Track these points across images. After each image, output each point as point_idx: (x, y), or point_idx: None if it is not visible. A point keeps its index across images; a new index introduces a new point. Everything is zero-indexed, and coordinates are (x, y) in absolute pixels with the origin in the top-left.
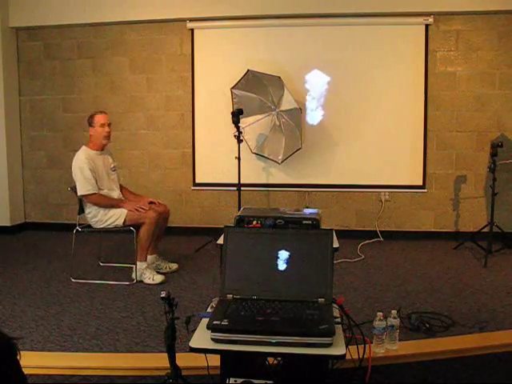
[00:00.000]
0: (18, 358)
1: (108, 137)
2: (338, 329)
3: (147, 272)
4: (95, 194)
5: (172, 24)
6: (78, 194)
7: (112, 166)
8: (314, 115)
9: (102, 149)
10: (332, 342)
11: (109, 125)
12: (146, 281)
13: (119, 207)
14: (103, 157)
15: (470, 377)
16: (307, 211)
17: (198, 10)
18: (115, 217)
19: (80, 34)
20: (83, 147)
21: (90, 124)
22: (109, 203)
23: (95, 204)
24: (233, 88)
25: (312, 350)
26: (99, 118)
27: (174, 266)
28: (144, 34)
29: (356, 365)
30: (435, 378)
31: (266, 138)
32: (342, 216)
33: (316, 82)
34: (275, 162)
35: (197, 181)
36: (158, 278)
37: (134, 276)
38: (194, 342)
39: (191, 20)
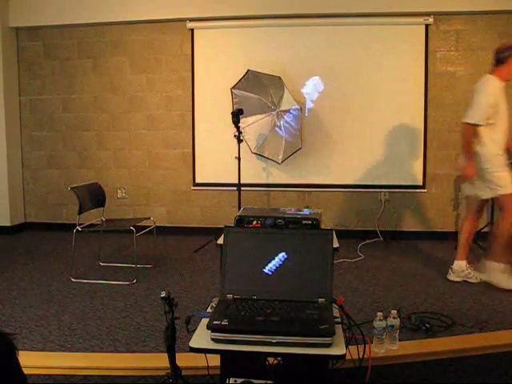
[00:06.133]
0: (17, 356)
1: None
2: (338, 329)
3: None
4: (478, 126)
5: (172, 24)
6: (464, 119)
7: None
8: (314, 115)
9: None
10: (332, 341)
11: None
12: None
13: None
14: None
15: (469, 377)
16: (307, 211)
17: (198, 10)
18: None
19: (80, 34)
20: (493, 77)
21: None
22: (467, 142)
23: (462, 134)
24: (233, 88)
25: (312, 350)
26: None
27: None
28: (144, 33)
29: (356, 365)
30: (435, 378)
31: (265, 137)
32: (342, 216)
33: (316, 83)
34: (275, 162)
35: (197, 181)
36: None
37: (450, 277)
38: (194, 342)
39: (191, 20)
